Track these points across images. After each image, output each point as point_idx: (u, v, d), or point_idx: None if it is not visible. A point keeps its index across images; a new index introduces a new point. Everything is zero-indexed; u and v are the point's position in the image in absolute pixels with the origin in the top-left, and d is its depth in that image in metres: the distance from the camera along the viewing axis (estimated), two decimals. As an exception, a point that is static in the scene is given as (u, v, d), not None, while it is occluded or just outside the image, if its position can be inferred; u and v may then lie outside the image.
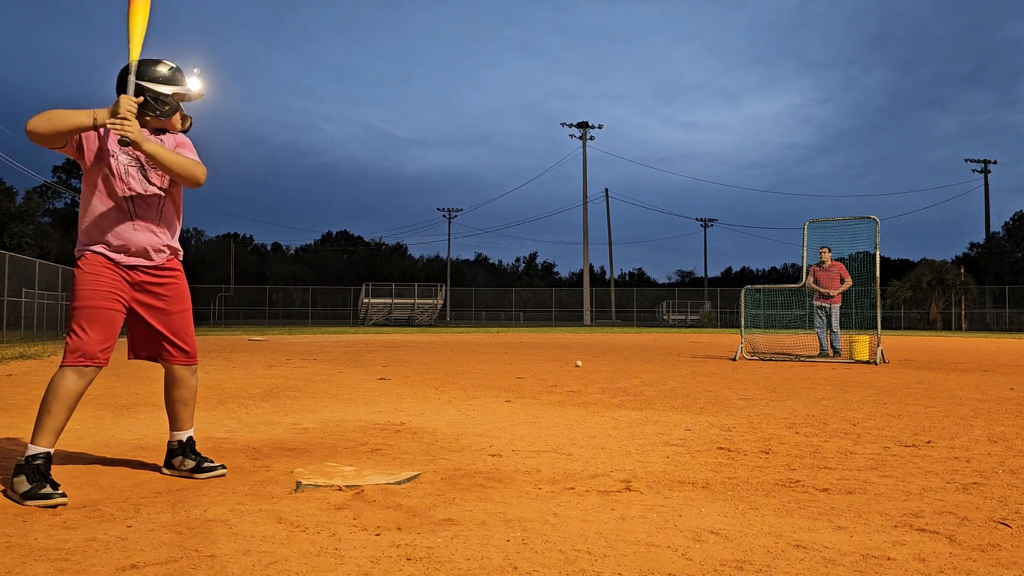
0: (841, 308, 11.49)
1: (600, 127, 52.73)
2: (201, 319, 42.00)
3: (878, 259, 10.40)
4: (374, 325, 39.34)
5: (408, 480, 2.82)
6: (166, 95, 2.84)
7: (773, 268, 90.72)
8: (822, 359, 10.70)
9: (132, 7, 2.77)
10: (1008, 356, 12.49)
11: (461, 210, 64.40)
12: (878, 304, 10.36)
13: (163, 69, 2.85)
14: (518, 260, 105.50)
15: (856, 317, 11.42)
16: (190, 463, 2.95)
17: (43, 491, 2.45)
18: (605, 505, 2.49)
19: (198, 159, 2.92)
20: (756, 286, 12.46)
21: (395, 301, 41.00)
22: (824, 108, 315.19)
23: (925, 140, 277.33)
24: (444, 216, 63.08)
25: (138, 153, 2.81)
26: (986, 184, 50.95)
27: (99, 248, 2.76)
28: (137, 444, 3.64)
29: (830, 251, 11.51)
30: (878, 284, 10.52)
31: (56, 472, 2.69)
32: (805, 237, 11.17)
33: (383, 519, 2.29)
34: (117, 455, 3.35)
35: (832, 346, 11.34)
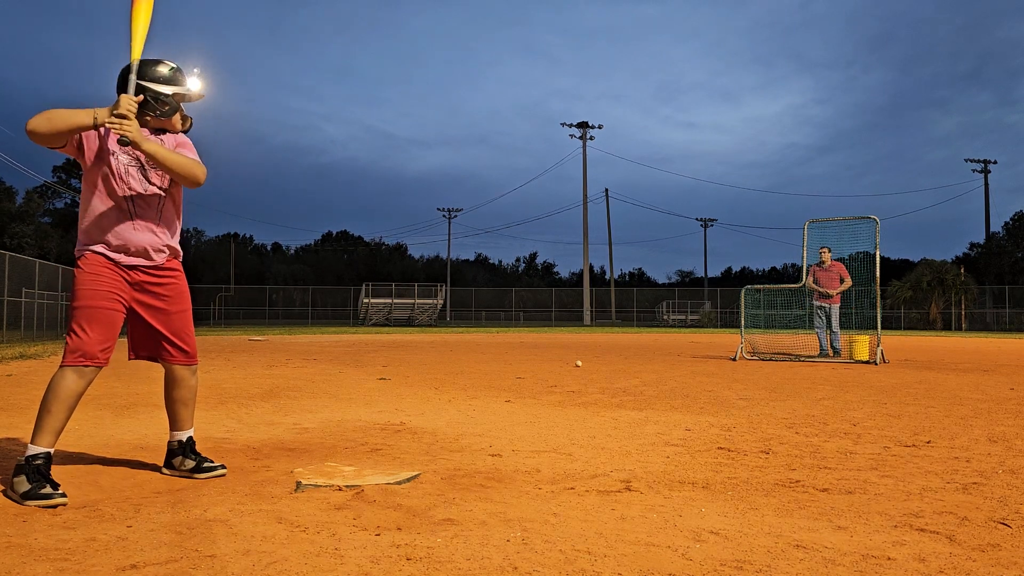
0: (841, 308, 11.49)
1: (600, 127, 52.76)
2: (201, 319, 42.00)
3: (878, 259, 10.40)
4: (374, 325, 39.35)
5: (408, 480, 2.82)
6: (166, 95, 2.84)
7: (773, 268, 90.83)
8: (822, 359, 10.70)
9: (135, 6, 2.77)
10: (1008, 356, 12.49)
11: (461, 210, 64.47)
12: (878, 304, 10.37)
13: (164, 69, 2.85)
14: (518, 260, 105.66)
15: (856, 317, 11.42)
16: (190, 463, 2.95)
17: (43, 491, 2.45)
18: (605, 505, 2.49)
19: (198, 159, 2.92)
20: (756, 286, 12.46)
21: (395, 301, 41.00)
22: (824, 108, 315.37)
23: (925, 140, 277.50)
24: (444, 216, 63.14)
25: (138, 153, 2.81)
26: (986, 184, 50.96)
27: (99, 248, 2.76)
28: (137, 444, 3.64)
29: (830, 251, 11.52)
30: (878, 284, 10.52)
31: (56, 472, 2.69)
32: (805, 237, 11.17)
33: (383, 519, 2.29)
34: (117, 455, 3.35)
35: (832, 346, 11.34)
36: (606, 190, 55.71)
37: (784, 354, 11.18)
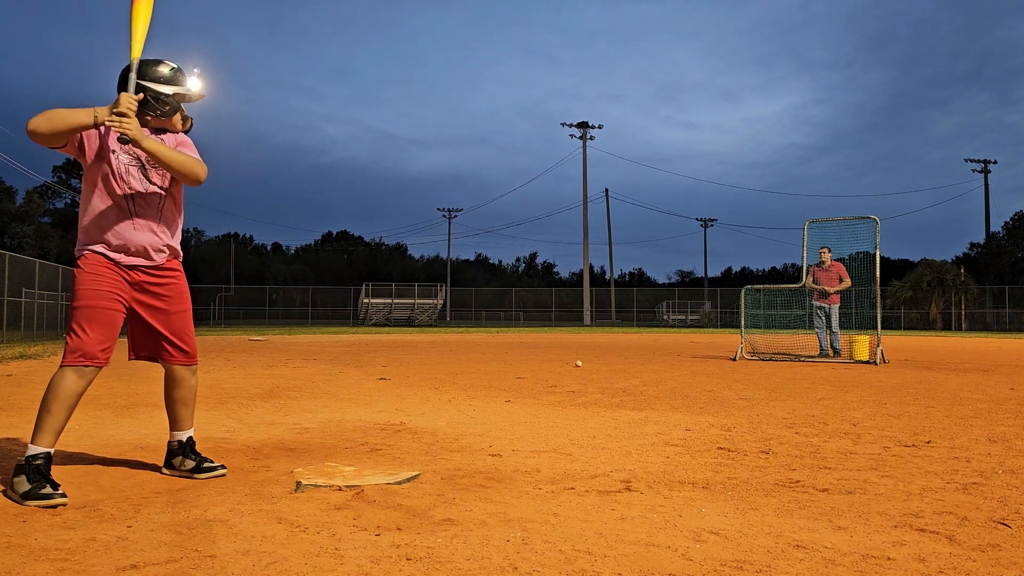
0: (841, 308, 11.49)
1: (600, 127, 52.75)
2: (201, 319, 42.00)
3: (878, 259, 10.40)
4: (374, 325, 39.34)
5: (408, 480, 2.82)
6: (167, 95, 2.84)
7: (773, 268, 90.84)
8: (822, 359, 10.70)
9: (135, 6, 2.77)
10: (1008, 356, 12.49)
11: (461, 210, 64.48)
12: (878, 304, 10.37)
13: (164, 69, 2.85)
14: (518, 260, 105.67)
15: (856, 317, 11.42)
16: (190, 463, 2.95)
17: (43, 491, 2.45)
18: (605, 505, 2.49)
19: (199, 158, 2.92)
20: (756, 286, 12.46)
21: (395, 301, 40.99)
22: (824, 108, 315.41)
23: (925, 140, 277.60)
24: (444, 216, 63.15)
25: (139, 152, 2.81)
26: (986, 184, 50.95)
27: (99, 248, 2.76)
28: (137, 444, 3.64)
29: (830, 251, 11.51)
30: (878, 284, 10.52)
31: (56, 472, 2.69)
32: (805, 237, 11.17)
33: (383, 519, 2.29)
34: (117, 455, 3.35)
35: (832, 346, 11.34)
36: (606, 190, 55.77)
37: (784, 354, 11.18)
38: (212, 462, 2.98)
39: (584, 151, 51.84)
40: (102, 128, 2.76)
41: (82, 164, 2.81)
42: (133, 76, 2.73)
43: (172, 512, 2.37)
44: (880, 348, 10.06)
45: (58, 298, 23.29)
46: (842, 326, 11.45)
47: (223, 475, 2.94)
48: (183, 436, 3.00)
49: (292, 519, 2.28)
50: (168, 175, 2.89)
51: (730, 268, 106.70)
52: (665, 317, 50.69)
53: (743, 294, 12.15)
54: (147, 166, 2.84)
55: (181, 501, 2.53)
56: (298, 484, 2.70)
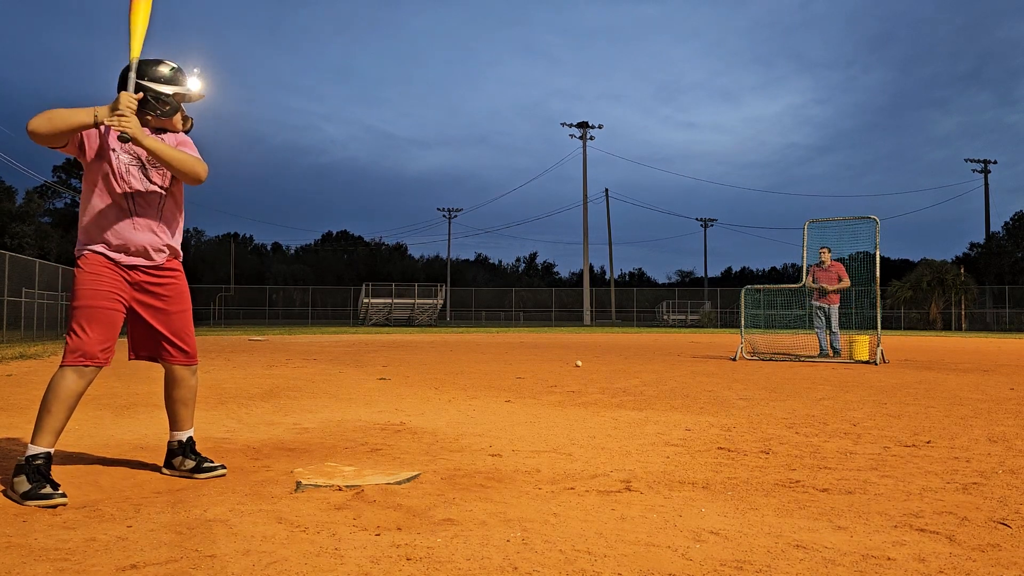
0: (841, 308, 11.49)
1: (600, 127, 52.75)
2: (201, 319, 42.00)
3: (878, 259, 10.40)
4: (374, 325, 39.34)
5: (408, 480, 2.82)
6: (167, 95, 2.85)
7: (773, 268, 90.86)
8: (822, 359, 10.71)
9: (134, 6, 2.77)
10: (1008, 356, 12.49)
11: (461, 210, 64.48)
12: (878, 304, 10.37)
13: (164, 69, 2.86)
14: (518, 260, 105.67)
15: (856, 317, 11.43)
16: (190, 463, 2.95)
17: (43, 491, 2.45)
18: (605, 505, 2.49)
19: (199, 157, 2.92)
20: (756, 286, 12.46)
21: (395, 301, 40.99)
22: (824, 108, 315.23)
23: (925, 140, 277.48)
24: (444, 216, 63.14)
25: (139, 151, 2.81)
26: (986, 184, 50.96)
27: (99, 248, 2.76)
28: (137, 444, 3.64)
29: (830, 251, 11.52)
30: (878, 284, 10.52)
31: (56, 472, 2.69)
32: (805, 237, 11.17)
33: (383, 519, 2.29)
34: (117, 455, 3.35)
35: (832, 346, 11.34)
36: (606, 190, 55.77)
37: (784, 354, 11.18)
38: (212, 462, 2.98)
39: (584, 151, 51.88)
40: (102, 127, 2.76)
41: (82, 164, 2.82)
42: (132, 76, 2.73)
43: (172, 512, 2.37)
44: (880, 348, 10.07)
45: (58, 298, 23.29)
46: (842, 326, 11.45)
47: (223, 475, 2.94)
48: (183, 436, 3.00)
49: (292, 519, 2.28)
50: (169, 175, 2.89)
51: (730, 268, 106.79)
52: (665, 317, 50.69)
53: (743, 294, 12.15)
54: (148, 165, 2.84)
55: (181, 501, 2.53)
56: (298, 484, 2.70)
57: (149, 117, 2.84)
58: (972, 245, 62.54)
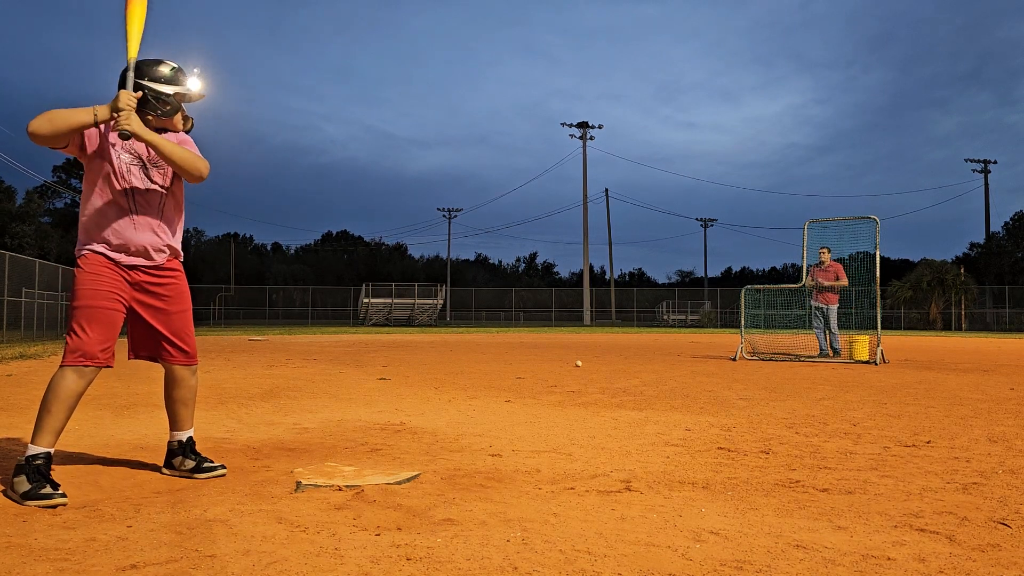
0: (841, 308, 11.49)
1: (600, 127, 52.75)
2: (201, 319, 42.00)
3: (878, 259, 10.40)
4: (374, 325, 39.34)
5: (408, 480, 2.82)
6: (167, 95, 2.85)
7: (773, 268, 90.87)
8: (822, 359, 10.71)
9: (129, 6, 2.78)
10: (1008, 356, 12.49)
11: (461, 210, 64.49)
12: (878, 304, 10.37)
13: (165, 69, 2.86)
14: (518, 260, 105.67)
15: (856, 317, 11.43)
16: (190, 463, 2.95)
17: (43, 491, 2.45)
18: (605, 505, 2.49)
19: (200, 155, 2.93)
20: (756, 286, 12.47)
21: (395, 301, 40.99)
22: (824, 108, 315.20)
23: (925, 140, 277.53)
24: (444, 216, 63.15)
25: (140, 150, 2.82)
26: (986, 184, 50.96)
27: (99, 247, 2.77)
28: (137, 444, 3.64)
29: (829, 252, 11.52)
30: (878, 284, 10.52)
31: (56, 472, 2.69)
32: (805, 237, 11.17)
33: (383, 519, 2.29)
34: (117, 455, 3.35)
35: (832, 346, 11.35)
36: (606, 190, 55.77)
37: (784, 354, 11.18)
38: (212, 462, 2.98)
39: (584, 151, 51.88)
40: (102, 126, 2.76)
41: (83, 163, 2.82)
42: (131, 75, 2.74)
43: (172, 512, 2.37)
44: (880, 348, 10.07)
45: (58, 298, 23.29)
46: (842, 326, 11.45)
47: (223, 475, 2.94)
48: (183, 436, 3.00)
49: (292, 519, 2.28)
50: (170, 174, 2.90)
51: (730, 268, 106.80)
52: (665, 317, 50.69)
53: (743, 294, 12.15)
54: (148, 165, 2.84)
55: (181, 501, 2.53)
56: (298, 484, 2.70)
57: (150, 117, 2.85)
58: (972, 245, 62.60)
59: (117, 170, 2.78)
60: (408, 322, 41.26)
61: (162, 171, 2.88)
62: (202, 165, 2.87)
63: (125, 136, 2.62)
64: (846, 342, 11.07)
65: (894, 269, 48.92)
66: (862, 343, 10.64)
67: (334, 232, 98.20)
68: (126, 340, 2.97)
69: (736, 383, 7.13)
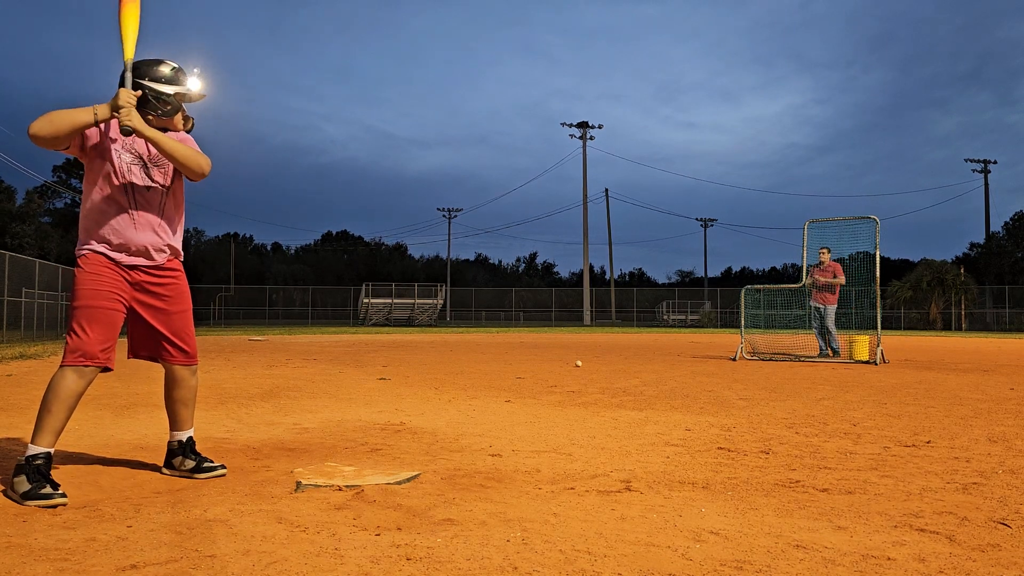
0: (840, 308, 11.49)
1: (600, 127, 52.78)
2: (201, 319, 42.00)
3: (878, 259, 10.40)
4: (374, 325, 39.34)
5: (408, 480, 2.82)
6: (168, 95, 2.85)
7: (773, 268, 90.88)
8: (822, 359, 10.71)
9: (123, 9, 2.79)
10: (1008, 356, 12.49)
11: (461, 210, 64.54)
12: (878, 304, 10.37)
13: (165, 69, 2.86)
14: (518, 260, 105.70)
15: (856, 317, 11.43)
16: (190, 463, 2.95)
17: (43, 491, 2.45)
18: (605, 505, 2.49)
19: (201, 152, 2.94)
20: (756, 286, 12.47)
21: (395, 301, 41.00)
22: (824, 108, 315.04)
23: (925, 140, 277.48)
24: (444, 216, 63.19)
25: (141, 150, 2.82)
26: (986, 184, 50.96)
27: (100, 247, 2.77)
28: (137, 444, 3.64)
29: (829, 252, 11.52)
30: (878, 284, 10.52)
31: (56, 472, 2.69)
32: (805, 237, 11.17)
33: (383, 519, 2.29)
34: (117, 455, 3.35)
35: (831, 346, 11.35)
36: (606, 190, 55.78)
37: (784, 354, 11.19)
38: (212, 462, 2.98)
39: (584, 151, 51.89)
40: (103, 126, 2.77)
41: (84, 163, 2.82)
42: (128, 75, 2.75)
43: (172, 512, 2.37)
44: (880, 348, 10.07)
45: (58, 298, 23.29)
46: (842, 326, 11.46)
47: (223, 475, 2.94)
48: (183, 436, 3.00)
49: (292, 519, 2.28)
50: (170, 173, 2.90)
51: (730, 268, 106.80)
52: (665, 317, 50.69)
53: (743, 294, 12.15)
54: (149, 164, 2.85)
55: (181, 501, 2.53)
56: (298, 484, 2.70)
57: (151, 117, 2.85)
58: (972, 245, 62.58)
59: (118, 169, 2.78)
60: (408, 322, 41.26)
61: (163, 170, 2.88)
62: (204, 161, 2.88)
63: (127, 132, 2.62)
64: (846, 342, 11.07)
65: (894, 269, 48.92)
66: (862, 343, 10.64)
67: (334, 232, 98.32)
68: (126, 340, 2.97)
69: (736, 383, 7.13)
